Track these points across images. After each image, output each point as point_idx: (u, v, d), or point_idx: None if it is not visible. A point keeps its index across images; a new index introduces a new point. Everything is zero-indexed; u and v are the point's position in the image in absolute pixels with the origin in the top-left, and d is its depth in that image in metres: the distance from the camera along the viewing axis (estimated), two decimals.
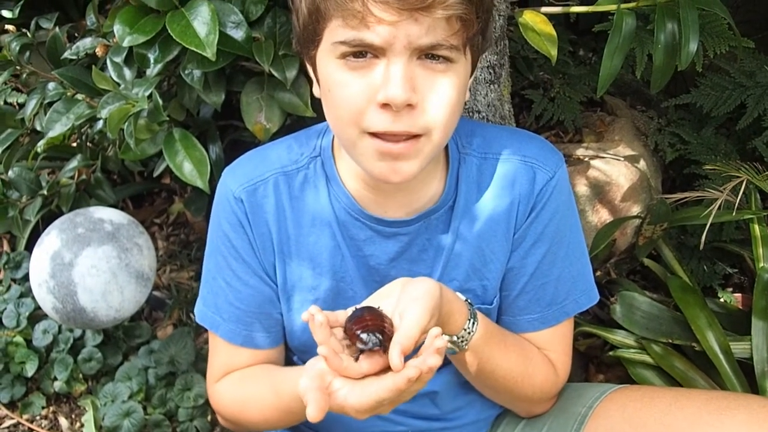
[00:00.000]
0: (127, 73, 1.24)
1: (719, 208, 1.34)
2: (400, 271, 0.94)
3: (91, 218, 1.44)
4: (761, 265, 1.32)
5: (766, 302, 1.26)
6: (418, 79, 0.75)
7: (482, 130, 0.96)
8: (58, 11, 1.59)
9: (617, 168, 1.51)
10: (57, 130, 1.26)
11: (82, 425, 1.56)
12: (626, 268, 1.56)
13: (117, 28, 1.08)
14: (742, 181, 1.36)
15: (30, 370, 1.63)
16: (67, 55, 1.35)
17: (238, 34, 1.10)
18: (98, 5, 1.38)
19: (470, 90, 1.01)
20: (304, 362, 1.04)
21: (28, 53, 1.49)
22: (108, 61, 1.25)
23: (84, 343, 1.65)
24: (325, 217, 0.93)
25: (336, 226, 0.93)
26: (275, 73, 1.13)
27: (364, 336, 0.71)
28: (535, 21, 1.08)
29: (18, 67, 1.48)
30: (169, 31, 1.04)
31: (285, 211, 0.93)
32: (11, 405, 1.65)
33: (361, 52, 0.75)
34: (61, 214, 1.52)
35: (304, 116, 1.19)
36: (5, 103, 1.92)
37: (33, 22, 1.50)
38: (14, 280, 1.84)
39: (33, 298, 1.65)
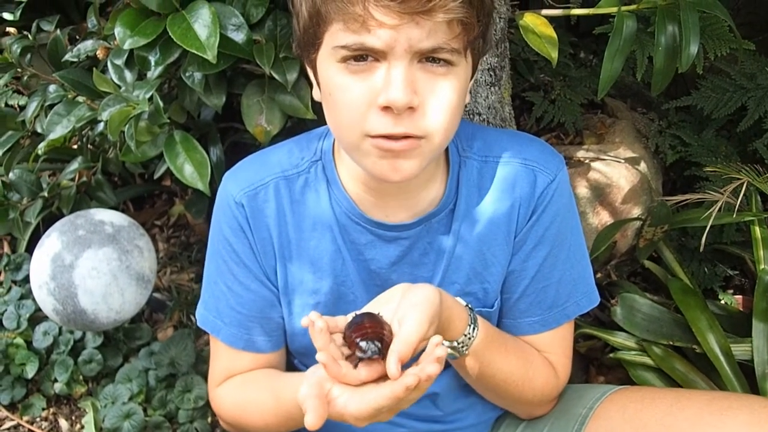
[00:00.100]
0: (128, 75, 1.24)
1: (720, 210, 1.34)
2: (401, 275, 0.94)
3: (92, 220, 1.44)
4: (762, 267, 1.32)
5: (766, 304, 1.26)
6: (418, 83, 0.75)
7: (483, 133, 0.96)
8: (59, 14, 1.59)
9: (618, 170, 1.50)
10: (58, 132, 1.26)
11: (82, 427, 1.56)
12: (627, 270, 1.56)
13: (118, 31, 1.08)
14: (742, 183, 1.36)
15: (30, 371, 1.63)
16: (68, 57, 1.35)
17: (239, 36, 1.10)
18: (99, 8, 1.38)
19: (471, 92, 1.01)
20: (305, 365, 1.05)
21: (29, 55, 1.50)
22: (109, 64, 1.25)
23: (84, 345, 1.65)
24: (326, 221, 0.93)
25: (337, 229, 0.93)
26: (276, 76, 1.13)
27: (363, 344, 0.71)
28: (536, 23, 1.08)
29: (19, 70, 1.48)
30: (170, 34, 1.04)
31: (286, 215, 0.93)
32: (11, 406, 1.65)
33: (361, 55, 0.75)
34: (62, 216, 1.52)
35: (305, 119, 1.19)
36: (6, 105, 1.93)
37: (34, 25, 1.51)
38: (15, 282, 1.83)
39: (33, 299, 1.65)
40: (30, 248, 1.62)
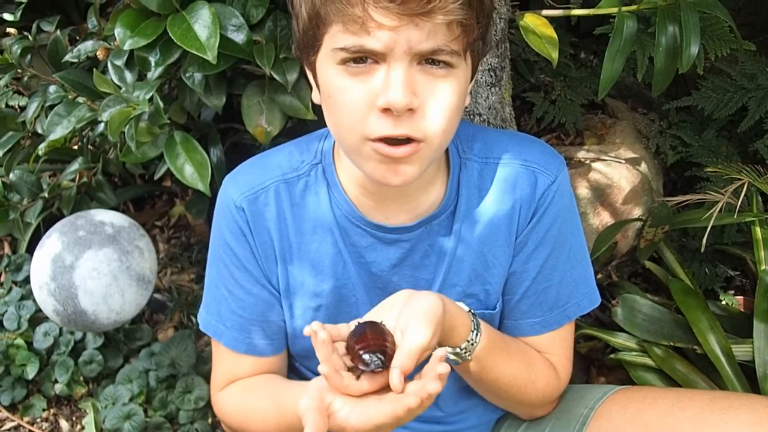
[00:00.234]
0: (128, 76, 1.24)
1: (720, 210, 1.34)
2: (402, 278, 0.94)
3: (92, 221, 1.44)
4: (763, 267, 1.32)
5: (767, 305, 1.26)
6: (418, 84, 0.75)
7: (483, 134, 0.96)
8: (60, 14, 1.59)
9: (618, 170, 1.50)
10: (58, 133, 1.26)
11: (82, 428, 1.56)
12: (627, 271, 1.56)
13: (118, 32, 1.08)
14: (743, 184, 1.36)
15: (31, 372, 1.63)
16: (68, 58, 1.35)
17: (239, 37, 1.10)
18: (99, 8, 1.38)
19: (471, 93, 1.01)
20: (306, 368, 1.04)
21: (29, 56, 1.50)
22: (109, 64, 1.25)
23: (85, 346, 1.65)
24: (327, 224, 0.93)
25: (337, 232, 0.93)
26: (276, 76, 1.13)
27: (366, 357, 0.70)
28: (536, 24, 1.08)
29: (19, 70, 1.48)
30: (170, 35, 1.04)
31: (286, 218, 0.93)
32: (12, 407, 1.65)
33: (361, 57, 0.74)
34: (62, 216, 1.52)
35: (305, 119, 1.19)
36: (6, 106, 1.93)
37: (34, 25, 1.51)
38: (15, 283, 1.84)
39: (34, 300, 1.65)
40: (30, 249, 1.62)
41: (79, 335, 1.66)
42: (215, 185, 1.03)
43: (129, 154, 1.24)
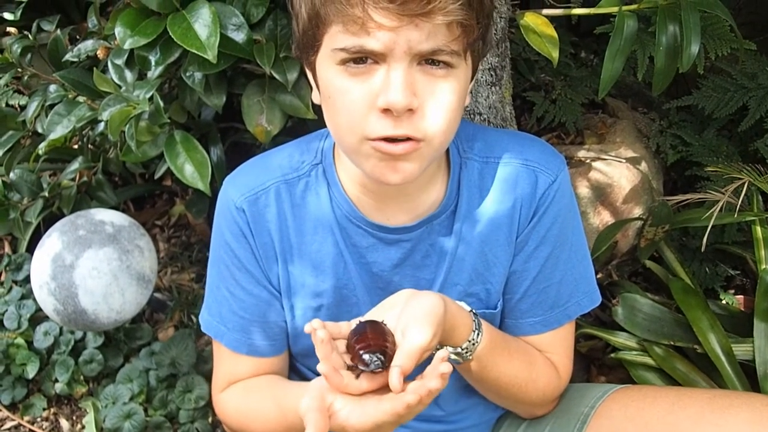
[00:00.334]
0: (129, 75, 1.24)
1: (721, 210, 1.34)
2: (403, 278, 0.94)
3: (92, 220, 1.44)
4: (763, 266, 1.32)
5: (767, 304, 1.26)
6: (418, 85, 0.75)
7: (483, 133, 0.96)
8: (60, 13, 1.59)
9: (619, 170, 1.50)
10: (58, 132, 1.26)
11: (83, 427, 1.56)
12: (628, 270, 1.56)
13: (118, 31, 1.08)
14: (743, 183, 1.36)
15: (31, 371, 1.63)
16: (68, 57, 1.35)
17: (239, 36, 1.10)
18: (99, 8, 1.38)
19: (471, 92, 1.01)
20: (307, 367, 1.04)
21: (29, 55, 1.50)
22: (109, 64, 1.25)
23: (85, 345, 1.65)
24: (327, 224, 0.93)
25: (338, 232, 0.93)
26: (276, 76, 1.13)
27: (366, 357, 0.70)
28: (537, 23, 1.08)
29: (19, 70, 1.48)
30: (170, 34, 1.04)
31: (287, 219, 0.93)
32: (12, 407, 1.65)
33: (361, 58, 0.74)
34: (62, 216, 1.52)
35: (306, 118, 1.19)
36: (7, 105, 1.93)
37: (34, 25, 1.51)
38: (15, 282, 1.84)
39: (34, 299, 1.65)
40: (31, 248, 1.62)
41: (79, 334, 1.66)
42: (215, 184, 1.03)
43: (129, 153, 1.24)
